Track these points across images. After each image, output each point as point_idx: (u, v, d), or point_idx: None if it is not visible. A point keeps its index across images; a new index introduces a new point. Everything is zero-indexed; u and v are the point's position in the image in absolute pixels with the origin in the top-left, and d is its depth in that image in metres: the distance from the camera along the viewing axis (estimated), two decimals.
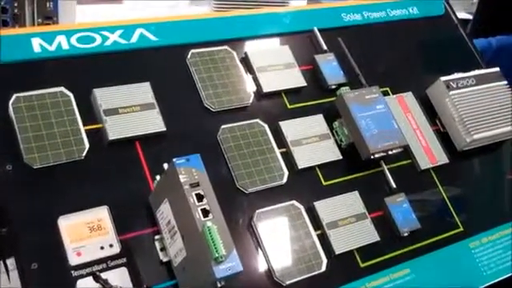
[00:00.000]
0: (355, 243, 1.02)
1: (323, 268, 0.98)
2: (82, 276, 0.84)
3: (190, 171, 0.82)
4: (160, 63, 1.07)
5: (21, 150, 0.89)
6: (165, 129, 0.99)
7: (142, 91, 1.00)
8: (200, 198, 0.81)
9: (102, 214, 0.89)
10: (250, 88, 1.10)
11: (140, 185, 0.94)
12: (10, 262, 0.86)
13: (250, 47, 1.15)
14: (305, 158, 1.07)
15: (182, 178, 0.81)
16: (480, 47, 1.54)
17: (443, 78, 1.22)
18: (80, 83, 0.98)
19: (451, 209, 1.16)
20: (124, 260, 0.88)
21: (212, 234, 0.78)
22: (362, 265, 1.03)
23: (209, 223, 0.79)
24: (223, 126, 1.04)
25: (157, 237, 0.90)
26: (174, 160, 0.82)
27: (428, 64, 1.32)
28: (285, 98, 1.13)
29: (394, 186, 1.11)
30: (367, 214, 1.06)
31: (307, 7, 1.28)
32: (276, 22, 1.22)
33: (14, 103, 0.92)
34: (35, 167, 0.89)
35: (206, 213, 0.80)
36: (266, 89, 1.10)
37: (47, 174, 0.90)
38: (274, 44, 1.19)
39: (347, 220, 1.04)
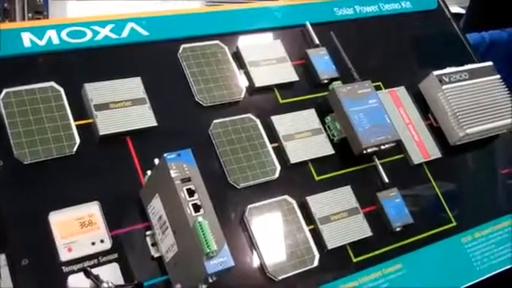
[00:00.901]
0: (348, 238, 1.02)
1: (315, 263, 0.98)
2: (73, 272, 0.84)
3: (181, 166, 0.82)
4: (151, 58, 1.07)
5: (11, 145, 0.89)
6: (156, 124, 0.98)
7: (133, 86, 1.00)
8: (191, 193, 0.81)
9: (92, 210, 0.89)
10: (242, 83, 1.10)
11: (131, 180, 0.94)
12: (1, 257, 0.86)
13: (242, 42, 1.15)
14: (297, 153, 1.06)
15: (173, 173, 0.81)
16: (473, 42, 1.54)
17: (436, 72, 1.22)
18: (70, 78, 0.98)
19: (444, 203, 1.16)
20: (115, 256, 0.87)
21: (203, 229, 0.78)
22: (354, 260, 1.03)
23: (200, 218, 0.79)
24: (215, 121, 1.04)
25: (148, 232, 0.90)
26: (165, 155, 0.82)
27: (421, 58, 1.32)
28: (277, 93, 1.13)
29: (387, 180, 1.11)
30: (360, 208, 1.06)
31: (299, 1, 1.27)
32: (268, 16, 1.22)
33: (3, 98, 0.91)
34: (25, 162, 0.88)
35: (197, 208, 0.80)
36: (257, 83, 1.10)
37: (38, 169, 0.89)
38: (265, 38, 1.19)
39: (339, 215, 1.03)
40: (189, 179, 0.81)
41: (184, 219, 0.79)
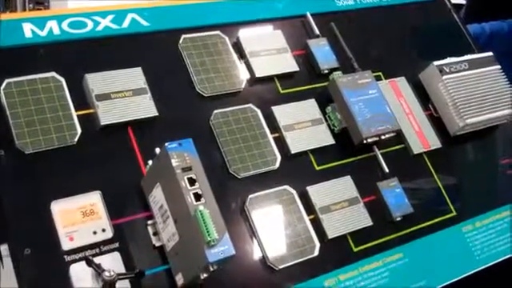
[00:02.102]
0: (348, 228, 1.03)
1: (316, 252, 0.99)
2: (75, 261, 0.84)
3: (182, 155, 0.82)
4: (152, 48, 1.07)
5: (13, 135, 0.89)
6: (157, 114, 0.99)
7: (134, 76, 1.00)
8: (192, 182, 0.81)
9: (94, 199, 0.89)
10: (243, 73, 1.10)
11: (132, 169, 0.94)
12: (3, 247, 0.86)
13: (243, 32, 1.15)
14: (297, 143, 1.06)
15: (174, 163, 0.81)
16: (473, 33, 1.53)
17: (436, 63, 1.22)
18: (72, 68, 0.98)
19: (444, 193, 1.16)
20: (117, 245, 0.88)
21: (204, 218, 0.78)
22: (354, 249, 1.03)
23: (201, 207, 0.79)
24: (216, 111, 1.04)
25: (149, 221, 0.90)
26: (166, 144, 0.82)
27: (421, 49, 1.32)
28: (277, 83, 1.13)
29: (387, 170, 1.11)
30: (360, 198, 1.06)
31: None
32: (269, 6, 1.22)
33: (5, 88, 0.92)
34: (27, 152, 0.89)
35: (198, 197, 0.80)
36: (258, 74, 1.10)
37: (39, 159, 0.89)
38: (266, 29, 1.19)
39: (340, 204, 1.04)
40: (190, 168, 0.82)
41: (185, 208, 0.79)
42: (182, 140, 0.83)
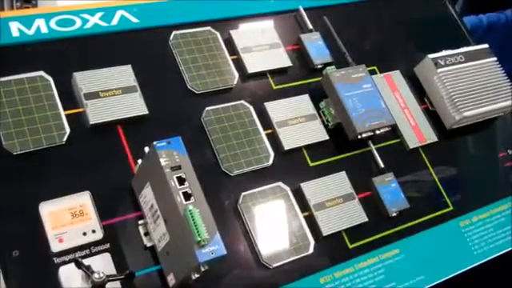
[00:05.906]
0: (343, 224, 1.01)
1: (311, 250, 0.98)
2: (65, 262, 0.83)
3: (171, 154, 0.81)
4: (142, 45, 1.06)
5: (0, 136, 0.88)
6: (147, 112, 0.97)
7: (124, 74, 0.99)
8: (181, 181, 0.80)
9: (83, 200, 0.88)
10: (235, 69, 1.09)
11: (122, 169, 0.93)
12: None
13: (234, 27, 1.14)
14: (291, 139, 1.05)
15: (163, 162, 0.80)
16: (471, 24, 1.52)
17: (431, 56, 1.20)
18: (60, 67, 0.97)
19: (441, 188, 1.15)
20: (107, 246, 0.87)
21: (194, 218, 0.77)
22: (350, 246, 1.02)
23: (190, 207, 0.78)
24: (207, 108, 1.03)
25: (140, 221, 0.89)
26: (155, 143, 0.81)
27: (416, 42, 1.30)
28: (270, 79, 1.12)
29: (382, 165, 1.10)
30: (355, 194, 1.05)
31: None
32: (260, 1, 1.20)
33: None
34: (15, 153, 0.88)
35: (187, 196, 0.79)
36: (250, 69, 1.09)
37: (27, 159, 0.88)
38: (258, 24, 1.17)
39: (335, 201, 1.03)
40: (179, 167, 0.80)
41: (175, 208, 0.78)
42: (170, 138, 0.82)
